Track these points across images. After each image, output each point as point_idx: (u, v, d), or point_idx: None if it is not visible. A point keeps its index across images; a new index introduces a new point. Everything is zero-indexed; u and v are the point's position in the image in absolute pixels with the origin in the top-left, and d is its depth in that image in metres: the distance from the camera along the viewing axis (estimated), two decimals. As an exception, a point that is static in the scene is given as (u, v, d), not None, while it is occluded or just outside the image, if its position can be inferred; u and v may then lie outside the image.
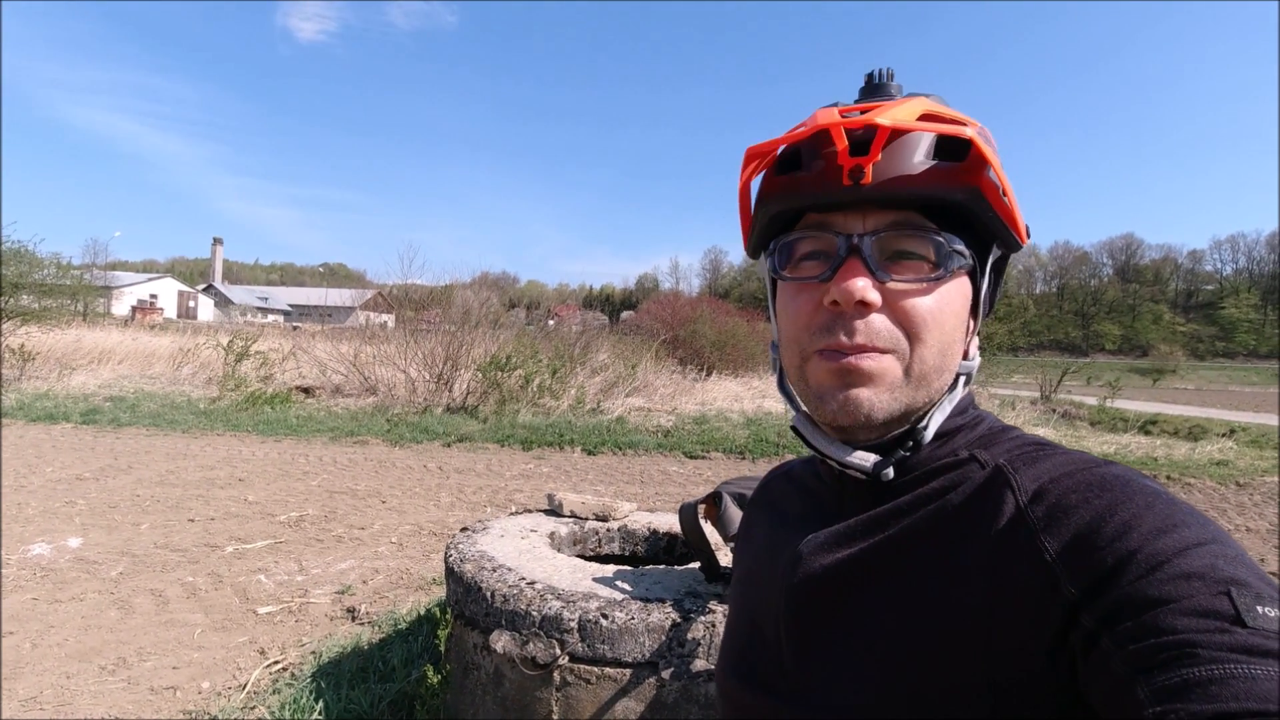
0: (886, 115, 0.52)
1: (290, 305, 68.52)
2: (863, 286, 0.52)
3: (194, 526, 4.89)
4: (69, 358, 13.94)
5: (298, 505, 5.58)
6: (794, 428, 0.61)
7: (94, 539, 4.51)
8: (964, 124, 0.54)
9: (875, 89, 0.59)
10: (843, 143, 0.52)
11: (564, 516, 2.62)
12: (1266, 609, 0.39)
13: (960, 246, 0.55)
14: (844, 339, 0.53)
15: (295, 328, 24.76)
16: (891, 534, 0.55)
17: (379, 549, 4.58)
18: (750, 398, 12.67)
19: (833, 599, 0.57)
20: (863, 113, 0.54)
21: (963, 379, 0.59)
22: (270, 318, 50.46)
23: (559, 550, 2.36)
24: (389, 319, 15.61)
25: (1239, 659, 0.37)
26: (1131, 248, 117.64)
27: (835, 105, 0.58)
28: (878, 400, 0.54)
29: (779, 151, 0.58)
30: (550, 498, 2.71)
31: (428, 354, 11.85)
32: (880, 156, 0.52)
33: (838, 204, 0.55)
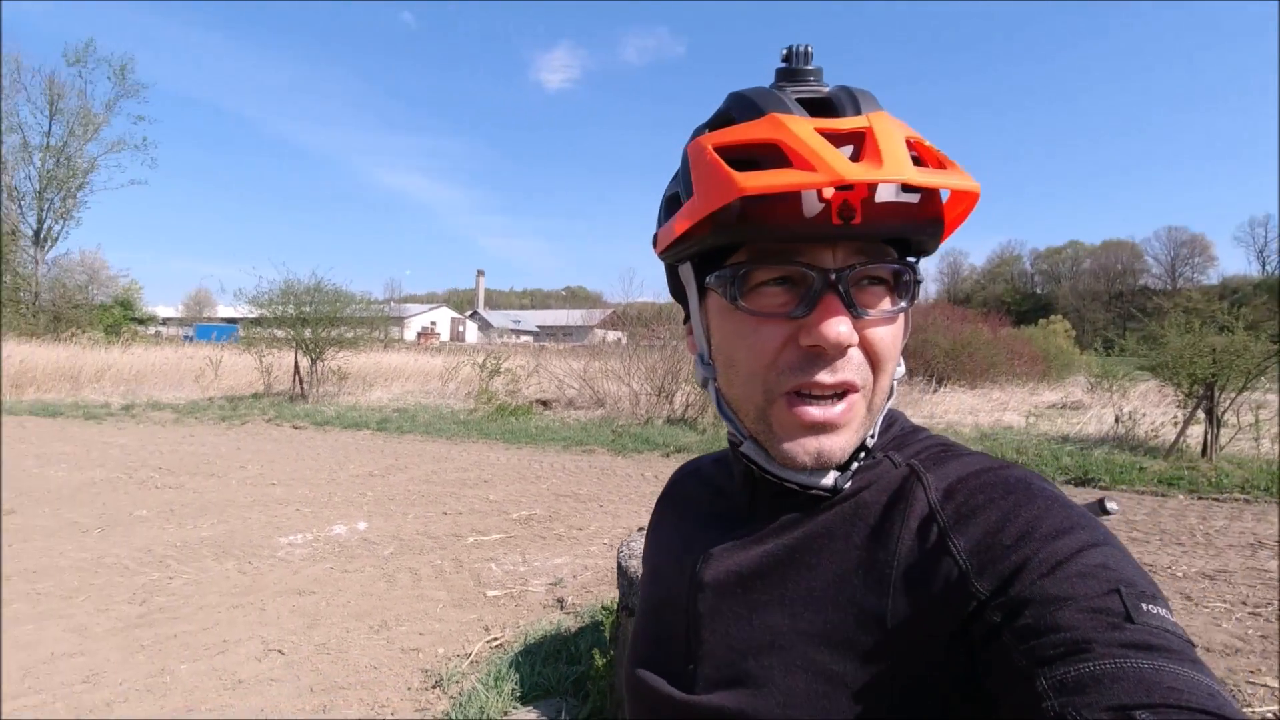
0: (899, 168, 0.46)
1: (538, 326, 76.24)
2: (848, 333, 0.50)
3: (446, 519, 5.77)
4: (370, 376, 17.01)
5: (528, 505, 6.28)
6: (744, 454, 0.58)
7: (375, 524, 5.54)
8: (949, 164, 0.52)
9: (793, 74, 0.55)
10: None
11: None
12: (1150, 606, 0.42)
13: (919, 274, 0.54)
14: (825, 378, 0.51)
15: (541, 347, 27.61)
16: (802, 532, 0.56)
17: (591, 548, 5.01)
18: (988, 410, 11.49)
19: (742, 596, 0.57)
20: (860, 154, 0.48)
21: (894, 385, 0.60)
22: (522, 338, 56.72)
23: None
24: (623, 336, 16.70)
25: (1129, 654, 0.39)
26: None
27: (781, 97, 0.51)
28: (848, 446, 0.54)
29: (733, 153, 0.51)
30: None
31: (650, 368, 12.53)
32: (866, 191, 0.49)
33: (816, 239, 0.50)
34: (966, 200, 0.55)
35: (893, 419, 0.63)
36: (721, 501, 0.67)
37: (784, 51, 0.56)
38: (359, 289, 17.52)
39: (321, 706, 2.77)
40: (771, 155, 0.49)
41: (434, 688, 2.93)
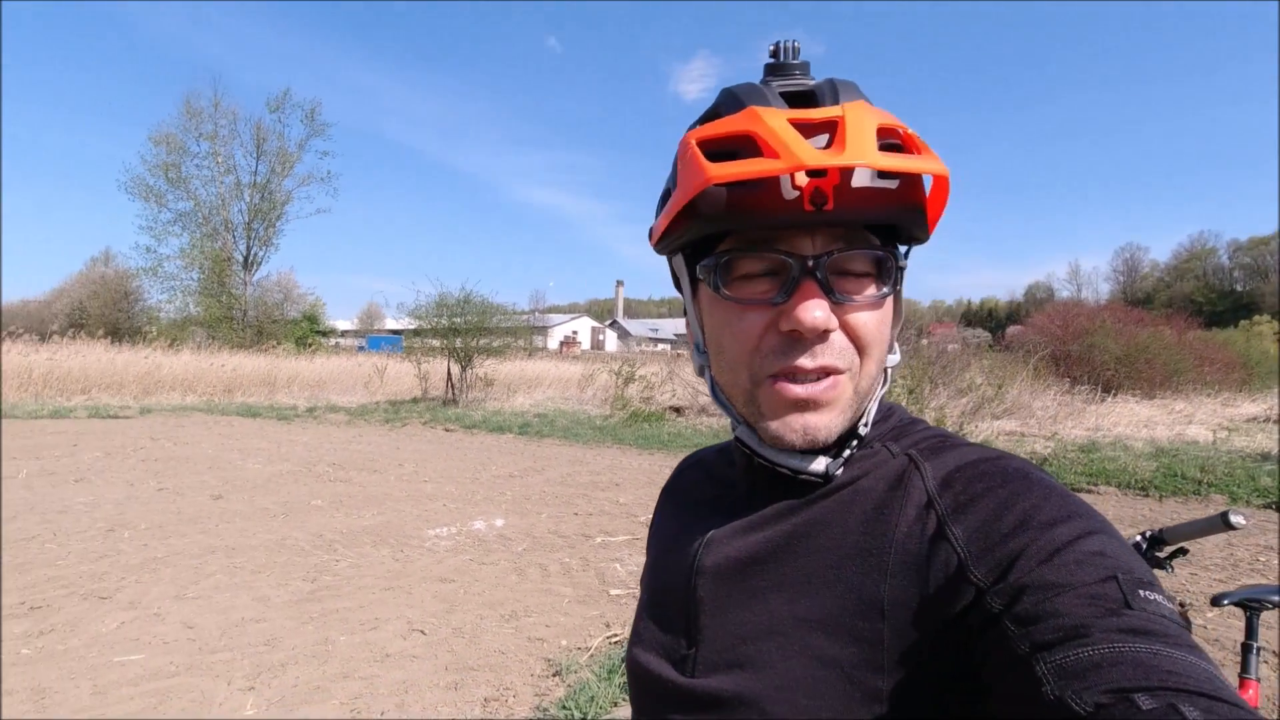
0: (862, 152, 0.48)
1: (675, 334, 77.09)
2: (824, 317, 0.51)
3: (576, 519, 6.03)
4: (515, 383, 18.04)
5: (655, 509, 6.42)
6: (739, 439, 0.61)
7: (511, 522, 5.91)
8: (924, 150, 0.53)
9: (779, 68, 0.57)
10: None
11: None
12: (1146, 593, 0.42)
13: (903, 261, 0.56)
14: (805, 363, 0.53)
15: (677, 354, 27.95)
16: (801, 519, 0.57)
17: (713, 554, 5.04)
18: (1169, 423, 10.18)
19: (741, 582, 0.58)
20: (831, 142, 0.50)
21: (888, 372, 0.61)
22: (659, 346, 57.63)
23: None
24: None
25: (1126, 639, 0.39)
26: None
27: (764, 91, 0.54)
28: (834, 424, 0.55)
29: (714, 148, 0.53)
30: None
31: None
32: (838, 178, 0.50)
33: (790, 226, 0.52)
34: (944, 186, 0.57)
35: (890, 410, 0.64)
36: (722, 490, 0.68)
37: (771, 47, 0.58)
38: (506, 300, 18.56)
39: (454, 683, 3.03)
40: (747, 146, 0.51)
41: (554, 676, 3.10)
